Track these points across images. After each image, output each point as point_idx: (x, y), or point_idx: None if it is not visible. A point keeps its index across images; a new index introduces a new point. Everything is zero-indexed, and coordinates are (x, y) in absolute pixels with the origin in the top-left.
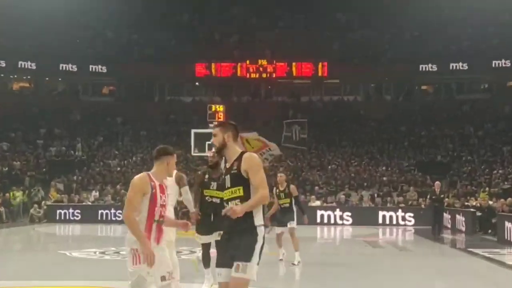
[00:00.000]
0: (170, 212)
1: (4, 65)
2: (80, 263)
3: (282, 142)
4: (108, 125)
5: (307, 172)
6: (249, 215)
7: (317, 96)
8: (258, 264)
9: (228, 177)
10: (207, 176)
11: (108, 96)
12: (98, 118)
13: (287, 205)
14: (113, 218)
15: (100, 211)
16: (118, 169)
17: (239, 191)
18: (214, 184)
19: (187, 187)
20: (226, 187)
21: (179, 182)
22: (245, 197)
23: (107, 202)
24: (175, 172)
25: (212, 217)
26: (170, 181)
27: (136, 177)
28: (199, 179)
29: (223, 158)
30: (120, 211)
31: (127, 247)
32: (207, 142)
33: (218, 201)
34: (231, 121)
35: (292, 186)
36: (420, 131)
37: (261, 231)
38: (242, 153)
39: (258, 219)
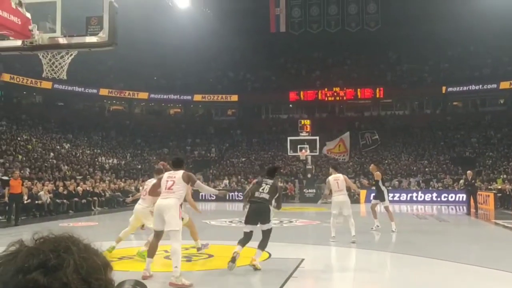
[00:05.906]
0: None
1: (164, 97)
2: (215, 228)
3: (361, 148)
4: (232, 136)
5: (369, 165)
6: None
7: (375, 112)
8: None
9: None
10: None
11: (232, 116)
12: (225, 131)
13: (374, 185)
14: (237, 198)
15: (228, 193)
16: (240, 165)
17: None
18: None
19: (199, 181)
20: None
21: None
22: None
23: (233, 187)
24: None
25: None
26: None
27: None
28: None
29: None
30: (241, 193)
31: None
32: (298, 146)
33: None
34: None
35: (376, 173)
36: (453, 135)
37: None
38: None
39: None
